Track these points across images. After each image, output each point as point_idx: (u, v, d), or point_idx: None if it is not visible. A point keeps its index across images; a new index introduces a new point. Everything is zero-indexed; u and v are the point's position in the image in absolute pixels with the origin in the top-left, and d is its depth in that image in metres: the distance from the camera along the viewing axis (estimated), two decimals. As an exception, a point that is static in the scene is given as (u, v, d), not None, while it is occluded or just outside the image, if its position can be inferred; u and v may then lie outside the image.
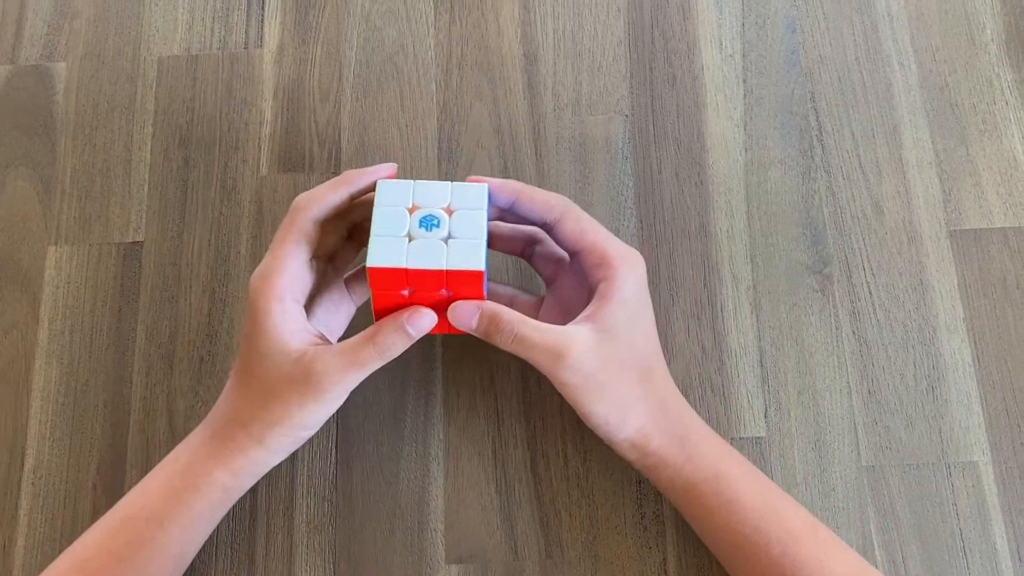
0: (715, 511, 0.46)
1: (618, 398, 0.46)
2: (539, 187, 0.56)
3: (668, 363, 0.50)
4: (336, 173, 0.58)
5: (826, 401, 0.53)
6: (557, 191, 0.57)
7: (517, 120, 0.59)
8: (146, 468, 0.51)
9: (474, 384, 0.54)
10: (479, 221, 0.45)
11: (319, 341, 0.46)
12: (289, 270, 0.45)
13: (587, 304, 0.47)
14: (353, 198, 0.47)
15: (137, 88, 0.61)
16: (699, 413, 0.50)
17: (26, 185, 0.59)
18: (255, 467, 0.47)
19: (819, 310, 0.55)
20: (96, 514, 0.50)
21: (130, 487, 0.48)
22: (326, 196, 0.46)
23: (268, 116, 0.60)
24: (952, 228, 0.56)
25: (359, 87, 0.60)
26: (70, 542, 0.47)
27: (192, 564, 0.50)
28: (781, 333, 0.54)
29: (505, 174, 0.58)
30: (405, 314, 0.45)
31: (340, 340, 0.48)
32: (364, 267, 0.51)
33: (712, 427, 0.49)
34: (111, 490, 0.52)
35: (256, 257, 0.56)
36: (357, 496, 0.52)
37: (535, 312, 0.51)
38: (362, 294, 0.51)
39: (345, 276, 0.51)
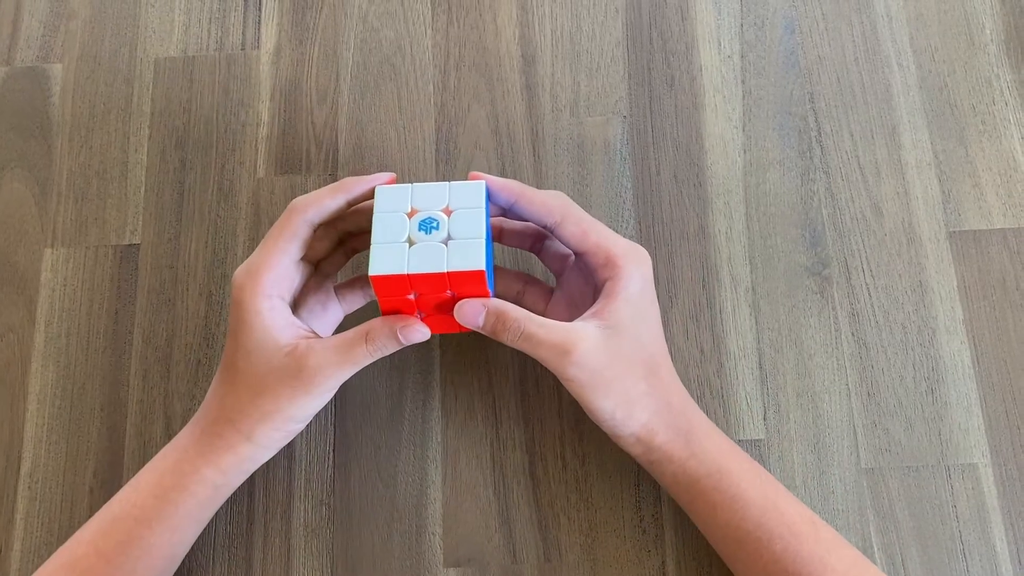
0: (718, 507, 0.46)
1: (624, 394, 0.46)
2: (537, 188, 0.56)
3: (667, 365, 0.50)
4: (333, 175, 0.58)
5: (825, 403, 0.53)
6: (555, 192, 0.57)
7: (515, 121, 0.59)
8: (143, 472, 0.51)
9: (472, 387, 0.54)
10: (478, 219, 0.45)
11: (308, 335, 0.46)
12: (277, 268, 0.46)
13: (594, 300, 0.47)
14: (350, 205, 0.47)
15: (133, 90, 0.60)
16: (698, 416, 0.50)
17: (22, 187, 0.59)
18: (244, 464, 0.47)
19: (818, 312, 0.54)
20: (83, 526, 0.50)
21: (127, 491, 0.48)
22: (324, 201, 0.47)
23: (265, 118, 0.59)
24: (951, 229, 0.56)
25: (356, 88, 0.60)
26: (66, 546, 0.47)
27: (190, 567, 0.50)
28: (780, 335, 0.54)
29: (503, 175, 0.57)
30: (400, 323, 0.45)
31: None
32: (357, 277, 0.52)
33: (711, 430, 0.49)
34: (108, 493, 0.51)
35: (253, 259, 0.56)
36: (355, 499, 0.52)
37: (544, 304, 0.51)
38: (353, 303, 0.52)
39: (337, 284, 0.51)
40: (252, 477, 0.52)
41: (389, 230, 0.45)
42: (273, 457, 0.51)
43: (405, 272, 0.44)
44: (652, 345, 0.47)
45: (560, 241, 0.48)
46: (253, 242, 0.57)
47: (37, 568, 0.47)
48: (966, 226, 0.56)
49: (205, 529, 0.50)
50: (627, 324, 0.46)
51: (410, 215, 0.45)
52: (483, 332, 0.46)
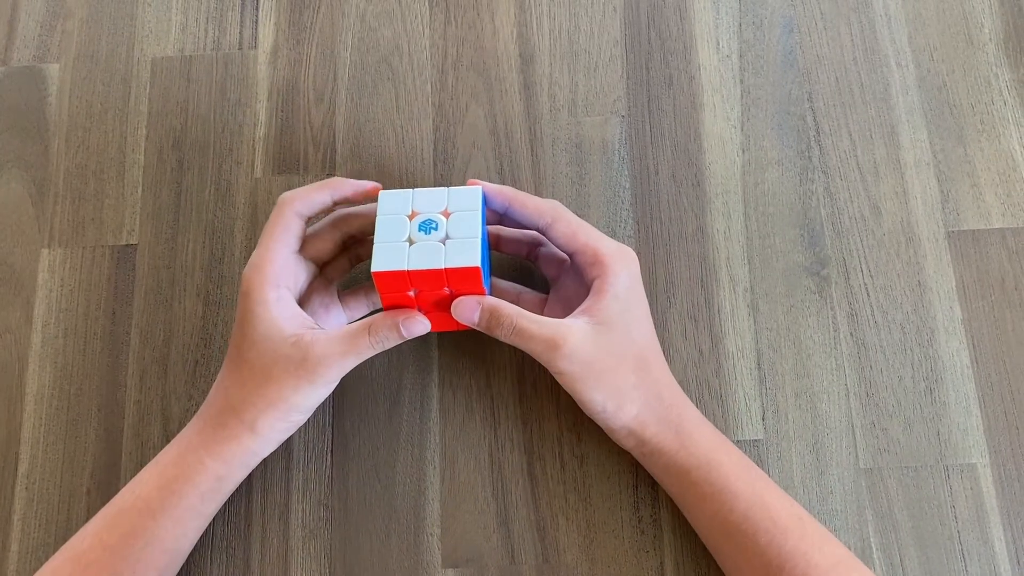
0: (706, 498, 0.47)
1: (614, 386, 0.47)
2: (536, 188, 0.58)
3: (665, 365, 0.50)
4: (331, 175, 0.58)
5: (824, 403, 0.53)
6: (553, 192, 0.57)
7: (513, 121, 0.59)
8: (140, 473, 0.51)
9: (470, 387, 0.54)
10: (474, 221, 0.47)
11: (313, 326, 0.48)
12: (278, 260, 0.48)
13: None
14: (336, 203, 0.50)
15: (131, 89, 0.60)
16: (696, 416, 0.50)
17: (19, 187, 0.58)
18: (246, 456, 0.48)
19: (817, 312, 0.54)
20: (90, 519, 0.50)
21: (124, 492, 0.48)
22: (311, 195, 0.49)
23: (262, 117, 0.59)
24: (950, 229, 0.56)
25: (354, 88, 0.60)
26: (64, 548, 0.47)
27: (188, 568, 0.50)
28: (778, 335, 0.54)
29: (501, 175, 0.57)
30: (402, 315, 0.47)
31: None
32: (363, 286, 0.53)
33: (709, 430, 0.49)
34: (105, 495, 0.51)
35: (251, 260, 0.56)
36: (353, 500, 0.52)
37: (540, 309, 0.52)
38: (356, 310, 0.53)
39: (342, 291, 0.53)
40: (250, 477, 0.52)
41: (391, 230, 0.47)
42: (271, 457, 0.52)
43: (405, 268, 0.46)
44: (641, 340, 0.49)
45: (551, 242, 0.50)
46: (251, 242, 0.57)
47: (36, 568, 0.47)
48: (965, 226, 0.56)
49: (204, 529, 0.50)
50: (615, 319, 0.47)
51: (411, 217, 0.48)
52: (478, 328, 0.48)
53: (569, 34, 0.60)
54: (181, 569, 0.49)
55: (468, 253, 0.46)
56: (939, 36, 0.59)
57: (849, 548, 0.49)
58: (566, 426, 0.53)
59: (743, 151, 0.58)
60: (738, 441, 0.52)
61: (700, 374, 0.53)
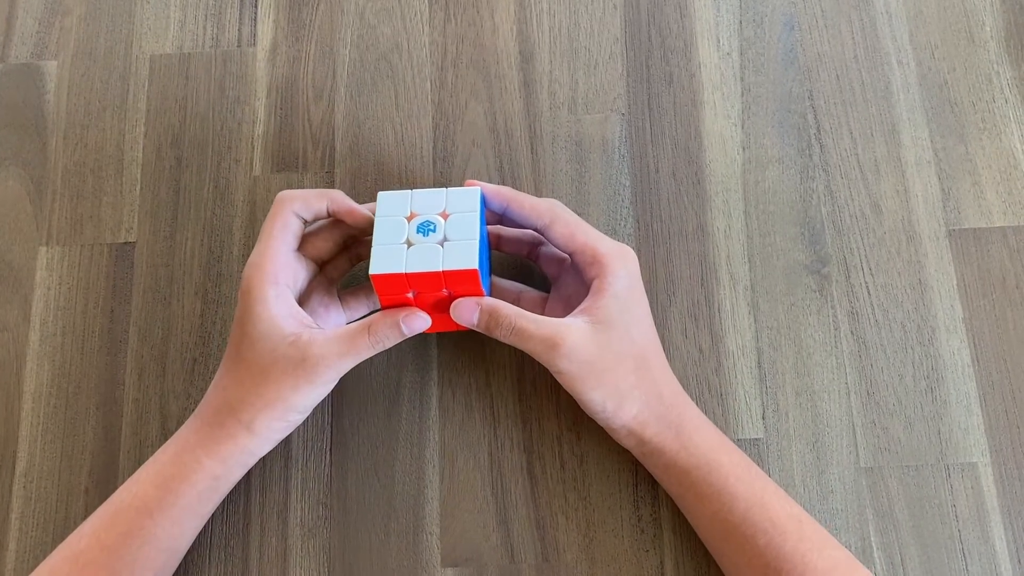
0: (706, 499, 0.47)
1: (614, 386, 0.47)
2: (535, 186, 0.58)
3: (665, 364, 0.50)
4: (330, 173, 0.58)
5: (824, 402, 0.53)
6: (553, 190, 0.57)
7: (513, 119, 0.58)
8: (139, 471, 0.51)
9: (470, 386, 0.54)
10: (472, 223, 0.47)
11: (312, 325, 0.48)
12: (278, 257, 0.48)
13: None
14: (331, 214, 0.50)
15: (129, 87, 0.60)
16: (696, 415, 0.49)
17: (17, 185, 0.58)
18: (243, 455, 0.48)
19: (817, 310, 0.54)
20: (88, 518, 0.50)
21: (122, 491, 0.48)
22: (309, 198, 0.49)
23: (261, 115, 0.59)
24: (951, 227, 0.56)
25: (353, 85, 0.60)
26: (62, 547, 0.47)
27: (186, 567, 0.50)
28: (779, 333, 0.54)
29: (501, 173, 0.57)
30: (403, 313, 0.47)
31: None
32: (363, 286, 0.53)
33: (710, 429, 0.49)
34: (103, 493, 0.51)
35: (249, 258, 0.56)
36: (352, 499, 0.52)
37: (541, 308, 0.52)
38: (356, 310, 0.53)
39: (342, 291, 0.53)
40: (248, 476, 0.52)
41: (389, 232, 0.47)
42: (270, 456, 0.51)
43: (403, 271, 0.46)
44: (641, 339, 0.48)
45: (550, 243, 0.50)
46: (250, 240, 0.56)
47: (34, 567, 0.47)
48: (966, 224, 0.56)
49: (202, 528, 0.49)
50: (615, 319, 0.47)
51: (409, 219, 0.48)
52: (477, 329, 0.48)
53: (569, 31, 0.60)
54: (180, 568, 0.49)
55: (466, 255, 0.46)
56: (940, 34, 0.59)
57: (849, 547, 0.49)
58: (566, 425, 0.53)
59: (744, 149, 0.57)
60: (738, 440, 0.52)
61: (700, 373, 0.53)
